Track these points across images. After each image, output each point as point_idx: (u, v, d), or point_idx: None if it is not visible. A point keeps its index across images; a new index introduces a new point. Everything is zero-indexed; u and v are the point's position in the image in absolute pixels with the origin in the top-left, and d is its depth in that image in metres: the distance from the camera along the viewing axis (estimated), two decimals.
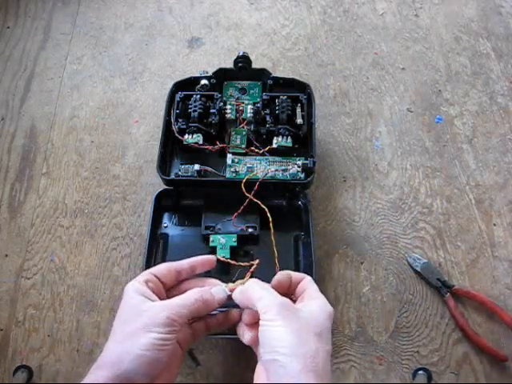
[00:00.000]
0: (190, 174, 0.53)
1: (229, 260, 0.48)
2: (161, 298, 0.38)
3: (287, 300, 0.36)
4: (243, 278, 0.44)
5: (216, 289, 0.40)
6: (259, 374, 0.35)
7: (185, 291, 0.39)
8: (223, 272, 0.49)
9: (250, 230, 0.51)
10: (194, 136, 0.54)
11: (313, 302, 0.37)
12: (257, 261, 0.47)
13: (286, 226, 0.52)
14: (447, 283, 0.52)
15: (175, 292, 0.40)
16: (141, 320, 0.35)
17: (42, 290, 0.53)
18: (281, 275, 0.39)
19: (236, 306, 0.39)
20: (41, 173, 0.61)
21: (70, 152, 0.62)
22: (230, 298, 0.40)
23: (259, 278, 0.39)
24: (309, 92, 0.57)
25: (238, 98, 0.59)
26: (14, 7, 0.75)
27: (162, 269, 0.40)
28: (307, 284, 0.39)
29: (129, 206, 0.58)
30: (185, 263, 0.41)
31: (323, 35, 0.72)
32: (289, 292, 0.39)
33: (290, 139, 0.54)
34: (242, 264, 0.48)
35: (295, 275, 0.40)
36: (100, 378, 0.33)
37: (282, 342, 0.33)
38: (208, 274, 0.45)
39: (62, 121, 0.65)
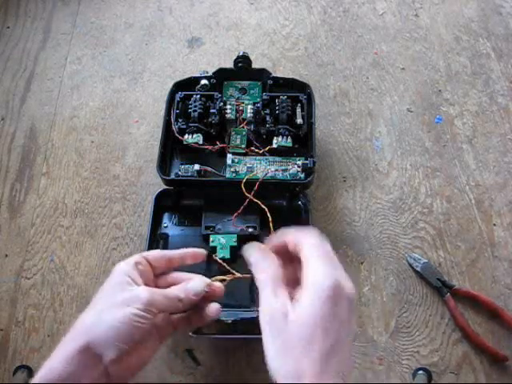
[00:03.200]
0: (190, 173, 0.54)
1: (229, 268, 0.47)
2: (147, 283, 0.39)
3: (277, 306, 0.32)
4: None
5: (194, 283, 0.40)
6: None
7: (172, 282, 0.40)
8: (222, 274, 0.49)
9: (250, 229, 0.51)
10: (194, 136, 0.54)
11: (305, 293, 0.32)
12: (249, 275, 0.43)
13: (286, 226, 0.52)
14: (447, 283, 0.52)
15: (163, 281, 0.41)
16: (121, 295, 0.36)
17: (42, 290, 0.53)
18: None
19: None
20: (41, 173, 0.61)
21: (69, 152, 0.62)
22: (206, 295, 0.40)
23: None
24: (309, 92, 0.57)
25: (238, 98, 0.59)
26: (13, 7, 0.75)
27: (155, 254, 0.41)
28: (304, 256, 0.34)
29: (129, 206, 0.58)
30: (176, 253, 0.42)
31: (323, 35, 0.72)
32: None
33: (289, 139, 0.54)
34: (238, 275, 0.45)
35: (290, 243, 0.37)
36: (69, 348, 0.34)
37: (268, 359, 0.31)
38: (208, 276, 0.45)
39: (61, 121, 0.65)
